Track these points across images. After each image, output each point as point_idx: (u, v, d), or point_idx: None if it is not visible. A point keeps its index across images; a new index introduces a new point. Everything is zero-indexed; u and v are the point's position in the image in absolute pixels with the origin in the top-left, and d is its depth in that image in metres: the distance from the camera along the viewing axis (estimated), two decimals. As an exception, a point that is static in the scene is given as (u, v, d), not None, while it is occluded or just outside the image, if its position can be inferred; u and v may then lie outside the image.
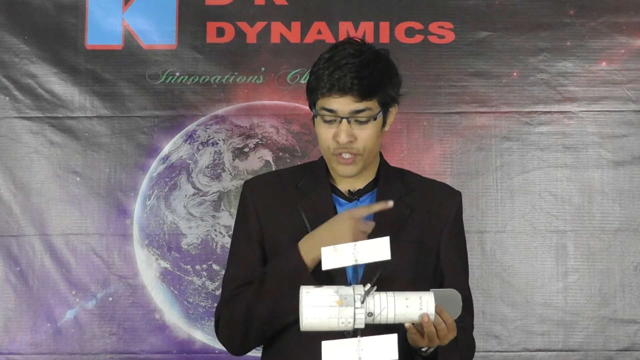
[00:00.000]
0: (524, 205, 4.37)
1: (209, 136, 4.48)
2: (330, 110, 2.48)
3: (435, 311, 2.25)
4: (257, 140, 4.46)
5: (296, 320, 2.21)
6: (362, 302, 2.15)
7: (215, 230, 4.42)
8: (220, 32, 4.49)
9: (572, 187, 4.37)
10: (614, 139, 4.38)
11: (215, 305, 2.66)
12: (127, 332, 4.40)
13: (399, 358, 2.10)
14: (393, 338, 2.11)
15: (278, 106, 4.46)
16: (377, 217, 2.55)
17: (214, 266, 4.40)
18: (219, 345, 4.39)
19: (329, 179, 2.62)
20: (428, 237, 2.59)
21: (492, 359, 4.30)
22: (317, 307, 2.14)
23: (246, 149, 4.46)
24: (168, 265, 4.43)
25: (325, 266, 2.19)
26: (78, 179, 4.47)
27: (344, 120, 2.48)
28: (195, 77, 4.48)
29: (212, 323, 2.72)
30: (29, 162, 4.47)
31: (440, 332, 2.31)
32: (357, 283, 2.22)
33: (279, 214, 2.60)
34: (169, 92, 4.48)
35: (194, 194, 4.46)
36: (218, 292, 4.14)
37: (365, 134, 2.50)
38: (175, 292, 4.42)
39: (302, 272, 2.43)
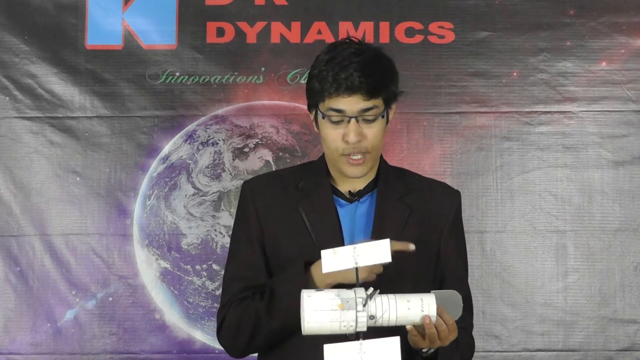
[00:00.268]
0: (524, 205, 4.37)
1: (209, 136, 4.47)
2: (339, 110, 2.48)
3: (437, 313, 2.26)
4: (257, 140, 4.46)
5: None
6: (364, 306, 2.14)
7: (215, 230, 4.42)
8: (220, 32, 4.49)
9: (572, 187, 4.37)
10: (614, 139, 4.38)
11: (215, 305, 2.66)
12: (127, 332, 4.40)
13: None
14: (395, 341, 2.11)
15: (278, 106, 4.46)
16: (378, 217, 2.55)
17: (214, 266, 4.40)
18: (219, 345, 4.32)
19: (329, 179, 2.62)
20: (428, 237, 2.60)
21: (492, 359, 4.30)
22: (318, 311, 2.13)
23: (246, 149, 4.46)
24: (168, 265, 4.43)
25: (325, 269, 2.19)
26: (78, 179, 4.47)
27: (353, 120, 2.48)
28: (195, 77, 4.48)
29: (213, 323, 2.73)
30: (29, 162, 4.47)
31: (441, 334, 2.31)
32: (357, 283, 2.22)
33: (279, 214, 2.60)
34: (169, 92, 4.48)
35: (194, 194, 4.46)
36: (218, 292, 4.14)
37: (372, 132, 2.50)
38: (175, 292, 4.42)
39: None
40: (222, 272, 3.13)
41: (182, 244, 4.44)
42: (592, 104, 4.40)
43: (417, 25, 4.45)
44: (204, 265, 4.42)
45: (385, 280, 2.36)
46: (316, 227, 2.55)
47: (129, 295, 4.42)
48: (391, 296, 2.20)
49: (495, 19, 4.44)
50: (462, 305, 2.34)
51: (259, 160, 4.44)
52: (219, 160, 4.46)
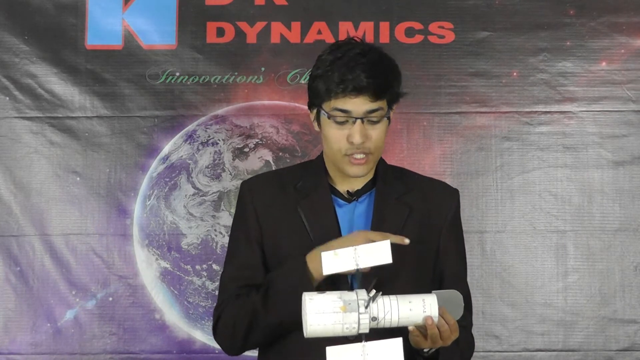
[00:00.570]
0: (524, 205, 4.37)
1: (209, 136, 4.47)
2: (345, 111, 2.48)
3: (439, 313, 2.26)
4: (257, 140, 4.46)
5: (300, 327, 2.21)
6: (366, 307, 2.15)
7: (215, 230, 4.42)
8: (220, 32, 4.48)
9: (572, 187, 4.38)
10: (614, 139, 4.38)
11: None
12: (127, 332, 4.40)
13: (401, 359, 2.12)
14: (398, 342, 2.11)
15: (278, 106, 4.46)
16: (377, 217, 2.55)
17: (214, 266, 4.40)
18: (218, 345, 4.40)
19: (328, 179, 2.62)
20: (427, 236, 2.60)
21: (492, 359, 4.30)
22: (321, 314, 2.13)
23: (246, 149, 4.46)
24: (168, 265, 4.43)
25: (326, 271, 2.19)
26: (78, 179, 4.46)
27: (358, 121, 2.48)
28: (195, 77, 4.48)
29: (212, 323, 2.72)
30: (29, 162, 4.47)
31: (443, 334, 2.31)
32: (357, 282, 2.22)
33: (278, 214, 2.60)
34: (169, 92, 4.47)
35: (194, 194, 4.46)
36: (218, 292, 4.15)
37: (376, 134, 2.51)
38: (175, 292, 4.42)
39: (308, 287, 2.40)
40: (222, 272, 3.13)
41: (182, 244, 4.44)
42: (592, 104, 4.40)
43: (417, 25, 4.45)
44: (204, 265, 4.42)
45: (385, 280, 2.35)
46: (315, 227, 2.55)
47: (129, 295, 4.42)
48: (393, 297, 2.20)
49: (495, 19, 4.44)
50: (463, 305, 2.34)
51: (259, 160, 4.45)
52: (219, 160, 4.46)
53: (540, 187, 4.38)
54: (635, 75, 4.39)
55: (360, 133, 2.47)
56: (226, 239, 4.31)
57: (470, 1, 4.45)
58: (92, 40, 4.51)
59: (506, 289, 4.34)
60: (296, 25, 4.47)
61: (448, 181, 2.77)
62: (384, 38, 4.43)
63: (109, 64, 4.49)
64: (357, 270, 2.17)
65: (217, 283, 4.32)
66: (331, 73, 2.47)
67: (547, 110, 4.41)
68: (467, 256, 2.73)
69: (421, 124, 4.42)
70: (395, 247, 2.22)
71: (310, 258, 2.45)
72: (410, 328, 2.26)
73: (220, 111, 4.47)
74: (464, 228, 2.74)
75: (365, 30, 4.44)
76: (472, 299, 2.68)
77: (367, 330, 2.14)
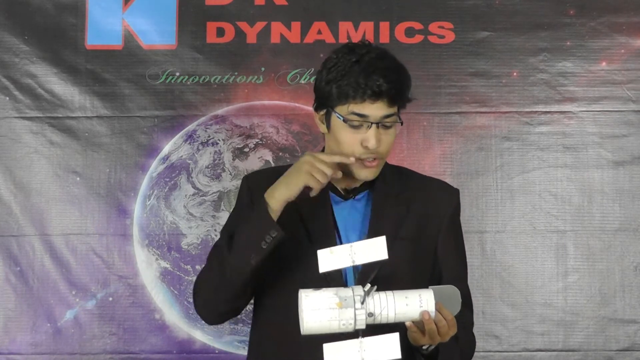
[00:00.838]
0: (524, 205, 4.37)
1: (209, 136, 4.47)
2: (362, 116, 2.47)
3: (435, 308, 2.26)
4: (257, 140, 4.46)
5: (285, 306, 2.21)
6: (362, 303, 2.15)
7: (215, 230, 4.42)
8: (220, 32, 4.49)
9: (572, 187, 4.37)
10: (614, 139, 4.38)
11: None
12: (127, 332, 4.40)
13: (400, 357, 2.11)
14: (395, 337, 2.11)
15: (278, 106, 4.46)
16: (375, 215, 2.55)
17: (214, 266, 4.39)
18: (219, 345, 4.40)
19: (325, 177, 2.62)
20: (426, 234, 2.60)
21: (492, 359, 4.30)
22: (317, 310, 2.14)
23: (246, 149, 4.46)
24: (168, 265, 4.43)
25: (322, 269, 2.19)
26: (78, 179, 4.47)
27: (374, 126, 2.48)
28: (195, 77, 4.48)
29: (213, 323, 2.73)
30: (29, 162, 4.47)
31: (441, 329, 2.31)
32: (354, 282, 2.22)
33: (275, 210, 2.60)
34: (169, 92, 4.48)
35: (194, 194, 4.46)
36: (218, 292, 4.15)
37: (389, 139, 2.52)
38: (175, 292, 4.42)
39: (267, 217, 2.44)
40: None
41: (182, 244, 4.44)
42: (592, 104, 4.40)
43: (417, 25, 4.45)
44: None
45: (383, 280, 2.36)
46: (311, 224, 2.55)
47: (129, 295, 4.42)
48: (389, 293, 2.21)
49: (495, 19, 4.44)
50: (460, 300, 2.34)
51: (259, 160, 4.45)
52: (219, 160, 4.46)
53: (540, 187, 4.38)
54: (635, 75, 4.39)
55: (377, 138, 2.48)
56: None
57: (470, 1, 4.45)
58: (92, 40, 4.51)
59: (506, 289, 4.33)
60: (296, 25, 4.47)
61: (448, 181, 2.77)
62: (384, 38, 4.43)
63: (109, 64, 4.49)
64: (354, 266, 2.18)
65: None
66: (348, 77, 2.47)
67: (547, 110, 4.41)
68: (467, 256, 2.73)
69: (421, 124, 4.42)
70: (392, 247, 2.21)
71: (267, 191, 2.48)
72: (407, 324, 2.26)
73: (220, 111, 4.47)
74: (464, 228, 2.73)
75: (365, 30, 4.44)
76: (472, 299, 2.68)
77: (363, 326, 2.14)
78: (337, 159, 2.47)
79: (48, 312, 4.40)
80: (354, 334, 2.14)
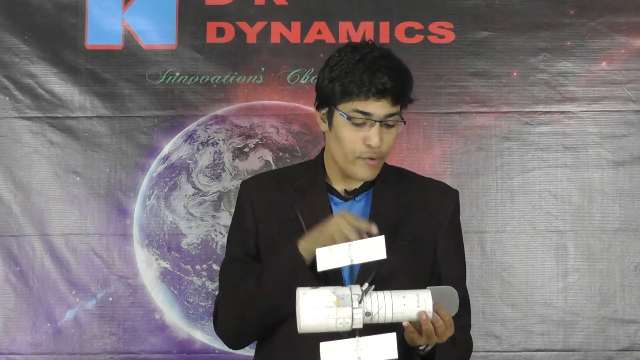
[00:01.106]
0: (524, 205, 4.37)
1: (209, 136, 4.47)
2: (366, 113, 2.48)
3: (433, 309, 2.26)
4: (257, 140, 4.46)
5: (293, 316, 2.21)
6: (360, 302, 2.14)
7: (215, 230, 4.42)
8: (220, 32, 4.49)
9: (572, 187, 4.37)
10: (614, 139, 4.38)
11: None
12: (127, 332, 4.40)
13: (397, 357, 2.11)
14: (392, 337, 2.11)
15: (278, 106, 4.46)
16: (374, 216, 2.55)
17: (214, 266, 4.40)
18: (218, 345, 4.40)
19: (325, 178, 2.62)
20: (425, 236, 2.60)
21: (492, 359, 4.30)
22: (314, 309, 2.13)
23: (246, 149, 4.46)
24: (168, 265, 4.43)
25: (320, 267, 2.19)
26: (78, 179, 4.47)
27: (377, 124, 2.48)
28: (195, 77, 4.48)
29: (212, 323, 2.72)
30: (29, 162, 4.47)
31: (438, 330, 2.31)
32: (353, 283, 2.22)
33: (274, 213, 2.60)
34: (169, 92, 4.48)
35: (194, 194, 4.46)
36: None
37: (390, 138, 2.52)
38: (175, 292, 4.42)
39: (300, 265, 2.42)
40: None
41: (182, 244, 4.44)
42: (592, 104, 4.39)
43: (417, 25, 4.45)
44: (204, 265, 4.42)
45: (382, 280, 2.35)
46: (310, 226, 2.54)
47: (129, 295, 4.42)
48: (387, 292, 2.20)
49: (495, 19, 4.44)
50: (458, 301, 2.34)
51: (259, 160, 4.45)
52: (219, 160, 4.46)
53: (540, 187, 4.38)
54: (635, 75, 4.39)
55: (379, 136, 2.48)
56: (226, 239, 4.32)
57: (470, 1, 4.44)
58: (92, 40, 4.51)
59: (506, 289, 4.33)
60: (296, 25, 4.47)
61: (448, 181, 2.77)
62: (384, 38, 4.43)
63: (109, 64, 4.49)
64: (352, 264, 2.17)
65: (217, 283, 4.34)
66: (352, 74, 2.47)
67: (547, 110, 4.41)
68: (467, 256, 2.73)
69: (421, 124, 4.41)
70: (391, 247, 2.21)
71: (301, 242, 2.46)
72: (404, 324, 2.26)
73: (220, 111, 4.47)
74: (463, 228, 2.73)
75: (365, 30, 4.44)
76: (472, 299, 2.68)
77: (360, 325, 2.14)
78: (364, 225, 2.36)
79: (48, 312, 4.40)
80: (351, 333, 2.14)
